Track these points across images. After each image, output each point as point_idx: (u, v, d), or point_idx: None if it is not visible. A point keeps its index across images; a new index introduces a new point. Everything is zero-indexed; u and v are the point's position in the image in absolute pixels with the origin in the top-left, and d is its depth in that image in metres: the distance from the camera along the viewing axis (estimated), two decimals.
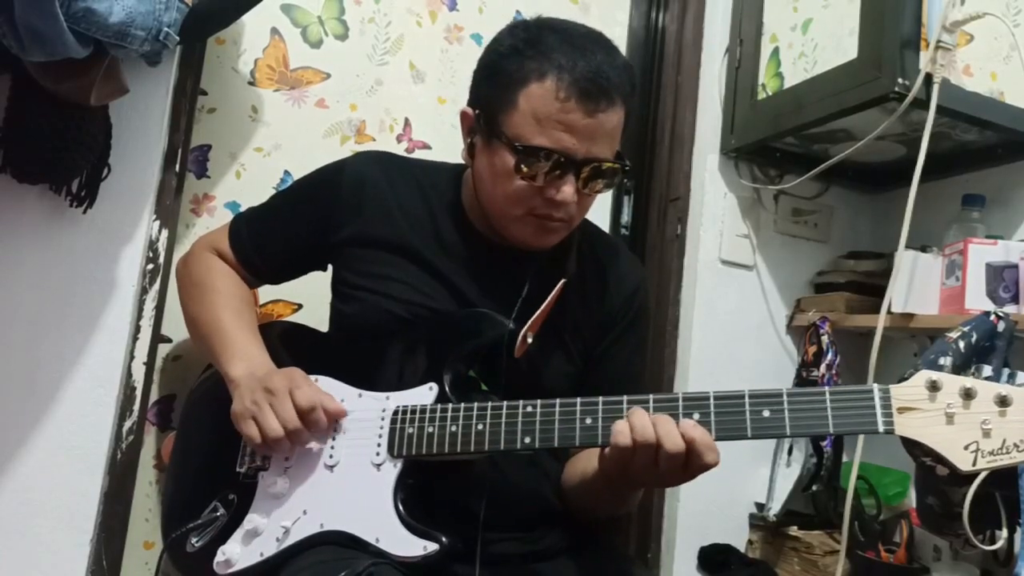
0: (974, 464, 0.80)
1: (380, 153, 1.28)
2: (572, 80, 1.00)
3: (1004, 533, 1.28)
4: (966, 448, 0.80)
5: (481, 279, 1.16)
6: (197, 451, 1.22)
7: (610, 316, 1.21)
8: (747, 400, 0.88)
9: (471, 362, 1.10)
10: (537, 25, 1.08)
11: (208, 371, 1.29)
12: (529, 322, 1.08)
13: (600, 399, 0.94)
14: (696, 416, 0.89)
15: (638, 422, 0.89)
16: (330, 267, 1.26)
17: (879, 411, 0.83)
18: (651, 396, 0.92)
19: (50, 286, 1.32)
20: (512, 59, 1.05)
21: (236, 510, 1.08)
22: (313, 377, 1.10)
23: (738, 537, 1.77)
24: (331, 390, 1.09)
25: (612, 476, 0.98)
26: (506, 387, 1.08)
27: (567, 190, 1.04)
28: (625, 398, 0.93)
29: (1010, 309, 1.38)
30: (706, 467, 0.90)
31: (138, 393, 1.39)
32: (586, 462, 1.13)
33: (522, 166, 1.03)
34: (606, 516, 1.22)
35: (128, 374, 1.38)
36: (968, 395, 0.81)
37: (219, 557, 1.04)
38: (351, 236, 1.17)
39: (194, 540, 1.09)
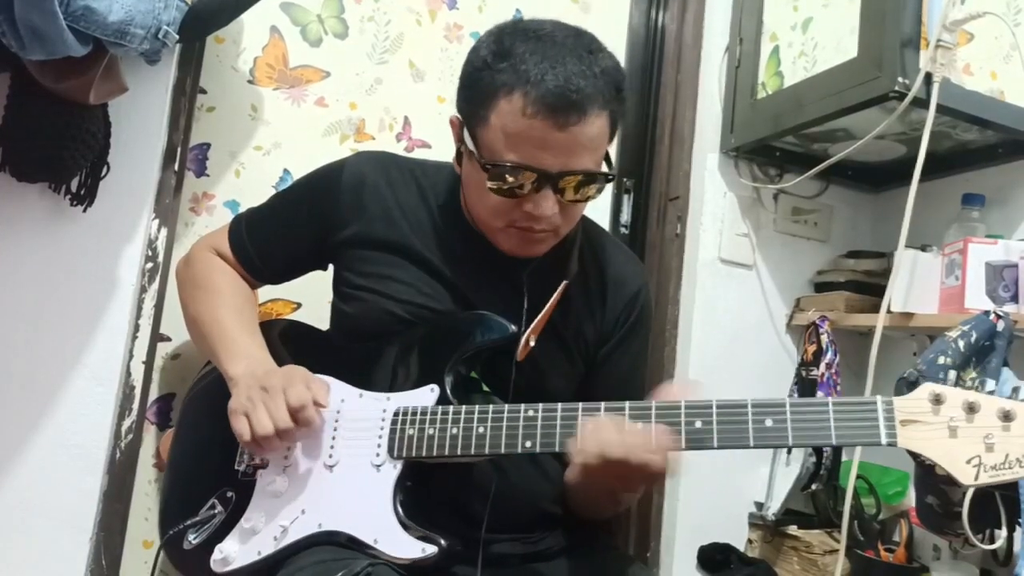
0: (976, 478, 0.79)
1: (379, 153, 1.27)
2: (538, 96, 0.96)
3: (1003, 532, 1.28)
4: (968, 462, 0.80)
5: (481, 280, 1.15)
6: (195, 448, 1.22)
7: (613, 318, 1.21)
8: (750, 409, 0.88)
9: (473, 364, 1.10)
10: (511, 32, 1.03)
11: (207, 368, 1.29)
12: (532, 325, 1.08)
13: (602, 404, 0.94)
14: (698, 424, 0.89)
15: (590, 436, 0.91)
16: (331, 266, 1.25)
17: (882, 423, 0.83)
18: (653, 403, 0.92)
19: (49, 284, 1.32)
20: (484, 72, 1.02)
21: (234, 508, 1.08)
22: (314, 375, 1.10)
23: (737, 536, 1.77)
24: (332, 390, 1.09)
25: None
26: (508, 389, 1.08)
27: (546, 205, 1.02)
28: (627, 404, 0.93)
29: (1010, 308, 1.38)
30: (652, 475, 0.91)
31: (137, 392, 1.39)
32: None
33: (495, 183, 1.01)
34: (607, 515, 1.21)
35: (127, 373, 1.38)
36: (971, 409, 0.81)
37: (216, 555, 1.04)
38: (351, 236, 1.17)
39: (191, 537, 1.09)
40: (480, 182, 1.04)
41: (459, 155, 1.12)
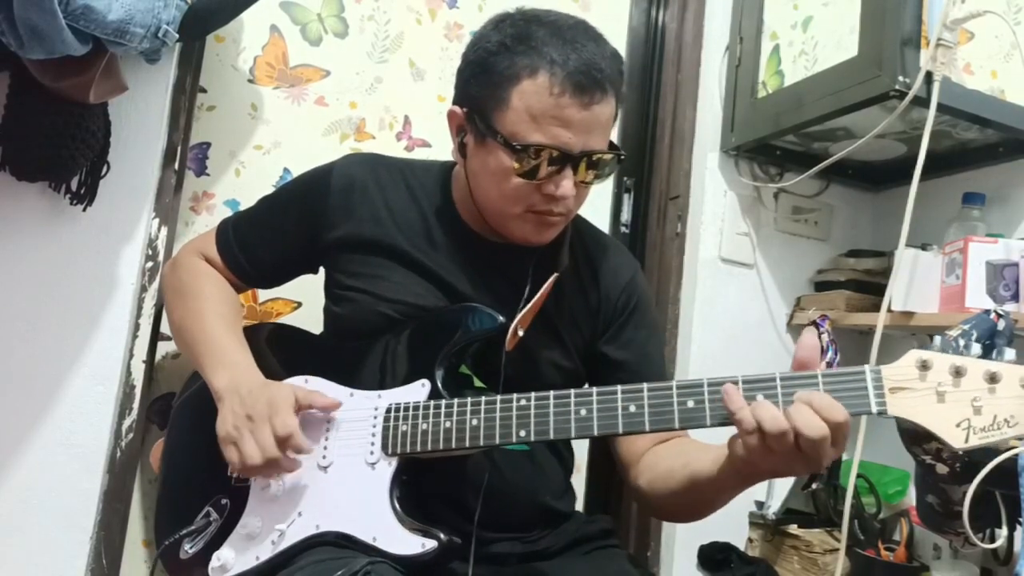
0: (966, 441, 0.79)
1: (367, 155, 1.27)
2: (566, 74, 0.99)
3: (1004, 531, 1.27)
4: (958, 426, 0.80)
5: (475, 277, 1.15)
6: (187, 457, 1.22)
7: (610, 309, 1.21)
8: (741, 385, 0.87)
9: (463, 357, 1.10)
10: (524, 18, 1.05)
11: (196, 376, 1.28)
12: (520, 315, 1.08)
13: (594, 390, 0.93)
14: (690, 403, 0.89)
15: (766, 414, 0.82)
16: (321, 270, 1.25)
17: (871, 392, 0.83)
18: (645, 386, 0.91)
19: (49, 284, 1.32)
20: (502, 56, 1.03)
21: (229, 515, 1.08)
22: (303, 378, 1.10)
23: (738, 535, 1.77)
24: (322, 390, 1.08)
25: (743, 472, 0.92)
26: (500, 381, 1.08)
27: (566, 185, 1.04)
28: (619, 388, 0.92)
29: (1010, 307, 1.38)
30: (847, 434, 0.83)
31: (138, 391, 1.39)
32: (687, 459, 1.06)
33: (520, 164, 1.02)
34: (716, 509, 1.14)
35: (127, 372, 1.38)
36: (958, 373, 0.81)
37: (214, 563, 1.03)
38: (340, 239, 1.17)
39: (187, 547, 1.09)
40: (498, 168, 1.04)
41: (462, 147, 1.11)
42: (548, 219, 1.09)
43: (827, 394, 0.83)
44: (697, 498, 1.06)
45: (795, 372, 0.87)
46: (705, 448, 1.04)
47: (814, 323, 1.75)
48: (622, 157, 1.09)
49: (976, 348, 0.82)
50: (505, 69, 1.02)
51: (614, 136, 2.01)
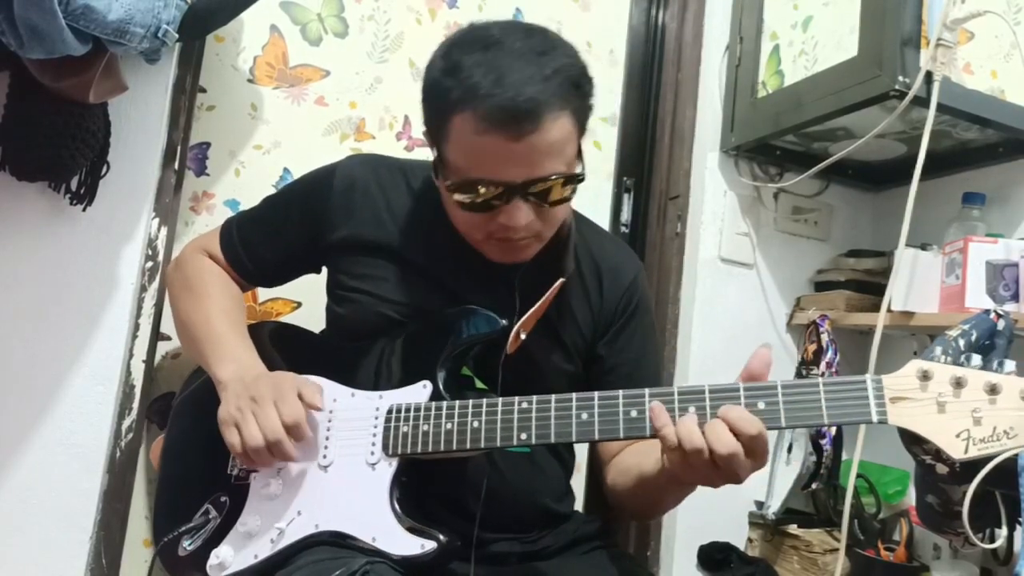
0: (966, 452, 0.80)
1: (370, 156, 1.27)
2: (487, 112, 0.93)
3: (1004, 531, 1.27)
4: (958, 436, 0.81)
5: (474, 280, 1.15)
6: (187, 454, 1.21)
7: (610, 310, 1.21)
8: (742, 392, 0.88)
9: (464, 359, 1.10)
10: (459, 44, 1.00)
11: (196, 373, 1.29)
12: (523, 319, 1.08)
13: (596, 394, 0.93)
14: (692, 409, 0.88)
15: (684, 431, 0.85)
16: (324, 269, 1.25)
17: (872, 401, 0.83)
18: (647, 391, 0.91)
19: (49, 284, 1.32)
20: (437, 89, 0.99)
21: (228, 512, 1.08)
22: (305, 378, 1.10)
23: (737, 535, 1.77)
24: (324, 390, 1.08)
25: (674, 481, 0.95)
26: (502, 385, 1.07)
27: (518, 215, 1.00)
28: (620, 393, 0.92)
29: (1010, 307, 1.38)
30: (764, 448, 0.86)
31: (137, 391, 1.39)
32: (640, 459, 1.09)
33: (463, 199, 1.00)
34: (666, 510, 1.17)
35: (127, 372, 1.38)
36: (959, 384, 0.82)
37: (212, 560, 1.03)
38: (342, 239, 1.17)
39: (186, 544, 1.09)
40: (450, 198, 1.04)
41: (435, 167, 1.09)
42: (513, 244, 1.06)
43: (744, 408, 0.86)
44: (645, 499, 1.12)
45: (796, 380, 0.87)
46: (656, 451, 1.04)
47: (814, 322, 1.75)
48: (581, 178, 1.04)
49: (976, 359, 0.83)
50: (441, 105, 0.99)
51: (612, 136, 2.01)
